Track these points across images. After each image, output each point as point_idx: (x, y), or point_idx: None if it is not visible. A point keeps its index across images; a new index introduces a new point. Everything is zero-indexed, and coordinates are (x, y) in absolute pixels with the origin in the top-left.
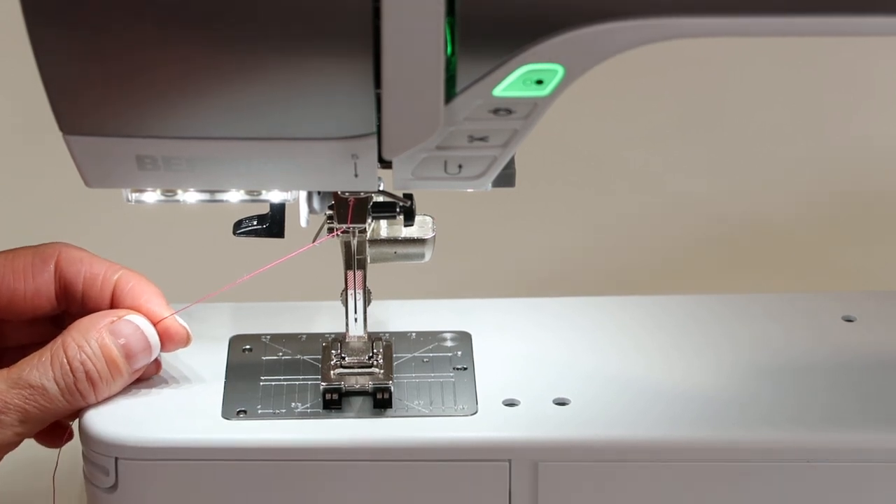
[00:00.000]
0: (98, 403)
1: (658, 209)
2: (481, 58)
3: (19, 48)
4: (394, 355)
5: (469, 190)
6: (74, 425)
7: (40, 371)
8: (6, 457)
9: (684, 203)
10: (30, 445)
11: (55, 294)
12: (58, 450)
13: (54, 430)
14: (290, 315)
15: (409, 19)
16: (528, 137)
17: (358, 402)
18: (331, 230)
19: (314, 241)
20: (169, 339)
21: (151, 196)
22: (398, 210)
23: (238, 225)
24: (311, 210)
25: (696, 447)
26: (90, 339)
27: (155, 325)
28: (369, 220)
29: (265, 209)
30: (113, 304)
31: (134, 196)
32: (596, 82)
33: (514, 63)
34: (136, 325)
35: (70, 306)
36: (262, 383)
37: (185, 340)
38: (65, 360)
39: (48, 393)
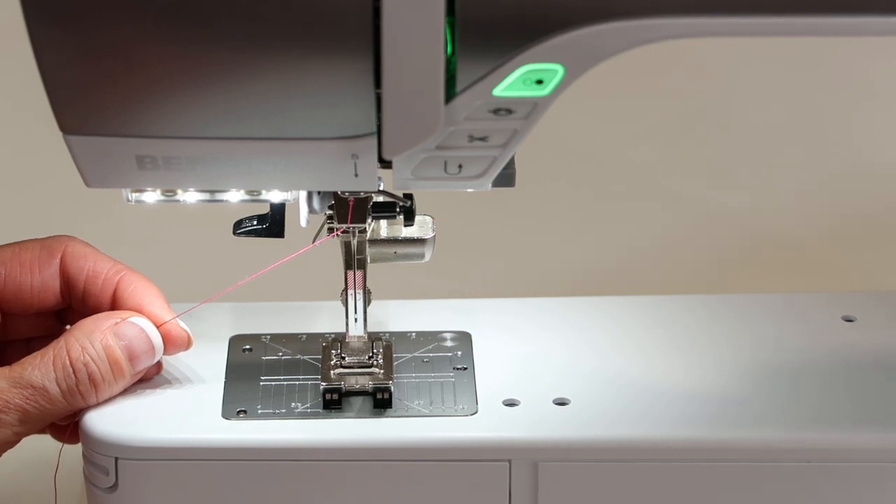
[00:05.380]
0: (98, 404)
1: (658, 209)
2: (481, 58)
3: (19, 48)
4: (394, 355)
5: (469, 190)
6: None
7: (42, 371)
8: (6, 456)
9: (684, 203)
10: (30, 446)
11: (60, 289)
12: (58, 450)
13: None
14: (290, 315)
15: (409, 19)
16: (528, 137)
17: (358, 402)
18: (331, 230)
19: (314, 241)
20: (170, 343)
21: (151, 196)
22: (398, 210)
23: (238, 225)
24: (311, 210)
25: (696, 447)
26: (94, 340)
27: (157, 327)
28: (369, 220)
29: (265, 209)
30: (114, 304)
31: (134, 196)
32: (596, 82)
33: (514, 63)
34: (140, 328)
35: (72, 300)
36: (262, 383)
37: (187, 344)
38: (67, 362)
39: (49, 394)
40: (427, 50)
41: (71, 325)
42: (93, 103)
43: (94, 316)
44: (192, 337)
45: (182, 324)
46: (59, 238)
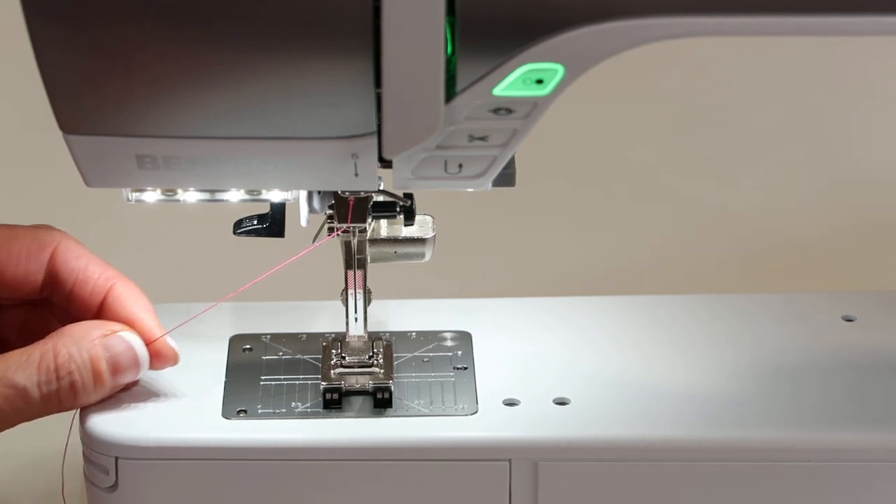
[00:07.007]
0: (98, 404)
1: (658, 209)
2: (481, 57)
3: (19, 48)
4: (394, 355)
5: (469, 190)
6: (74, 425)
7: (27, 373)
8: (8, 455)
9: (684, 203)
10: (30, 446)
11: (42, 282)
12: (62, 449)
13: None
14: (290, 315)
15: (409, 19)
16: (528, 137)
17: (358, 401)
18: (331, 230)
19: (314, 241)
20: (158, 359)
21: (151, 196)
22: (398, 210)
23: (238, 224)
24: (312, 210)
25: (696, 447)
26: (83, 349)
27: (147, 344)
28: (369, 220)
29: (265, 209)
30: (101, 312)
31: (134, 196)
32: (596, 82)
33: (514, 63)
34: (129, 344)
35: (54, 295)
36: (262, 383)
37: (174, 361)
38: (53, 367)
39: (28, 396)
40: (427, 50)
41: (50, 314)
42: (93, 103)
43: (86, 323)
44: (190, 341)
45: (171, 341)
46: (53, 232)
